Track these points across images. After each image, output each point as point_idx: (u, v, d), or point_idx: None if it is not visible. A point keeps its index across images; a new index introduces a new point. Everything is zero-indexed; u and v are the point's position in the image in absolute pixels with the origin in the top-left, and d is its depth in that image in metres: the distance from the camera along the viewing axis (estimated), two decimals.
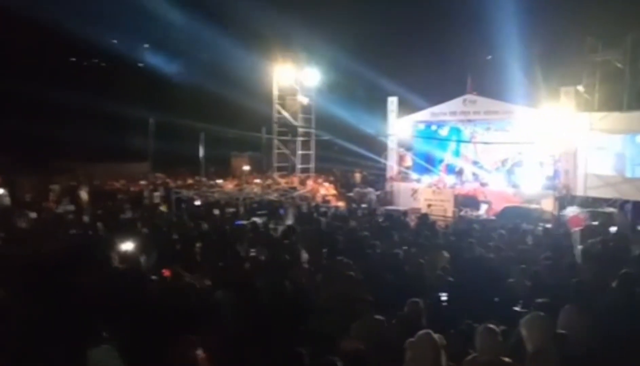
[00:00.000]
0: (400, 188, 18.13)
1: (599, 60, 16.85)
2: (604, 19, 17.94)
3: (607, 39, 16.89)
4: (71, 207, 16.22)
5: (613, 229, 13.35)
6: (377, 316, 5.85)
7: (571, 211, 8.65)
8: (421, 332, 4.38)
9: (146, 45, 33.63)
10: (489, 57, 23.39)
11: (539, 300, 5.66)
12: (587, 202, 16.02)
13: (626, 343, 6.33)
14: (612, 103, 16.45)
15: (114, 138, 28.66)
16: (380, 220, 13.93)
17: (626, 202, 15.43)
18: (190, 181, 23.75)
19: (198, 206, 17.13)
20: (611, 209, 15.56)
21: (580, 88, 16.81)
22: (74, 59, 35.18)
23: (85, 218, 13.80)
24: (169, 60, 32.33)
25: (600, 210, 15.53)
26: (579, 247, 10.16)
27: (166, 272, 7.63)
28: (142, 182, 22.76)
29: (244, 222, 13.40)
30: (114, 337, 5.14)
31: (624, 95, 16.35)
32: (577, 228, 8.02)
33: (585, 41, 17.17)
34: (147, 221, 13.17)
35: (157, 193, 19.64)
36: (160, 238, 11.06)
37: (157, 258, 8.99)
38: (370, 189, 20.78)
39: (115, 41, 32.15)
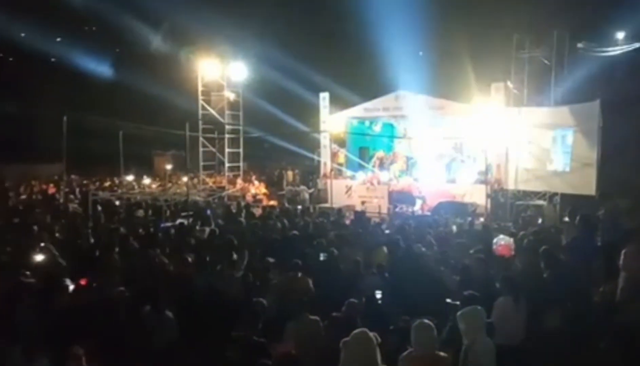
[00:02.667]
0: (334, 185, 17.59)
1: (527, 56, 17.12)
2: (531, 17, 18.33)
3: (534, 36, 17.20)
4: None
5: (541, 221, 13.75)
6: (312, 317, 5.87)
7: (501, 240, 8.61)
8: (356, 331, 4.35)
9: (59, 39, 31.32)
10: (420, 53, 23.42)
11: (466, 293, 5.62)
12: (519, 196, 16.30)
13: (558, 333, 6.38)
14: (540, 99, 16.78)
15: (24, 137, 26.58)
16: (314, 218, 13.37)
17: (555, 194, 15.80)
18: (108, 182, 22.24)
19: (117, 208, 15.89)
20: (541, 202, 15.95)
21: (510, 84, 17.03)
22: None
23: None
24: (84, 54, 30.26)
25: (530, 202, 15.90)
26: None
27: (82, 281, 7.14)
28: (56, 184, 20.98)
29: (169, 224, 12.52)
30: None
31: (551, 91, 16.69)
32: (505, 255, 7.95)
33: (513, 38, 17.37)
34: (61, 226, 12.09)
35: (72, 196, 18.14)
36: (76, 244, 10.28)
37: (73, 266, 8.29)
38: (303, 187, 20.26)
39: (23, 34, 29.72)
